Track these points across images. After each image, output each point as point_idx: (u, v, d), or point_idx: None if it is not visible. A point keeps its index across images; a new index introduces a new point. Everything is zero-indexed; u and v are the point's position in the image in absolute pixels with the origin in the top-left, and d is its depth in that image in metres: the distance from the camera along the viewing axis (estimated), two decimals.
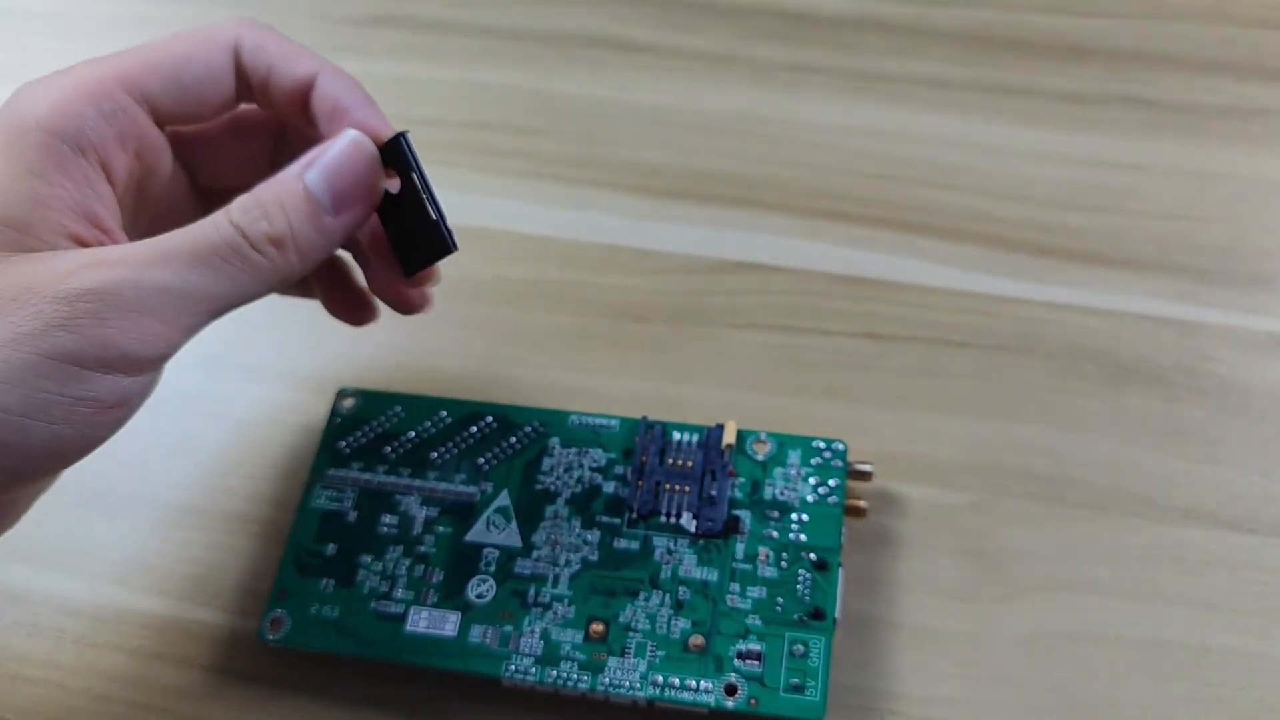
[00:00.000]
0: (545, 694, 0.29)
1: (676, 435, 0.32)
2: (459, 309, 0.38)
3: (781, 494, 0.31)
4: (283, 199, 0.25)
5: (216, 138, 0.29)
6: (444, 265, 0.38)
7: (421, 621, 0.30)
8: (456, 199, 0.41)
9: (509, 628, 0.29)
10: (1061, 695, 0.29)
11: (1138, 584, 0.31)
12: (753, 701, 0.28)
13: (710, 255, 0.39)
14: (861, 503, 0.31)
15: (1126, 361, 0.36)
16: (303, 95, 0.27)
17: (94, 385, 0.22)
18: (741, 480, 0.31)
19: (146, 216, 0.28)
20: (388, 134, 0.27)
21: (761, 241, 0.40)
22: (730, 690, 0.28)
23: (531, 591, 0.30)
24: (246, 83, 0.27)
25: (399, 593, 0.30)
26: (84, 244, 0.24)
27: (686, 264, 0.39)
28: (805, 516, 0.30)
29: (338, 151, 0.26)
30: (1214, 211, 0.39)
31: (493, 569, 0.30)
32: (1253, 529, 0.32)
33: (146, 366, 0.23)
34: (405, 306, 0.29)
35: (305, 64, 0.27)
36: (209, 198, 0.30)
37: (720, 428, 0.32)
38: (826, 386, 0.36)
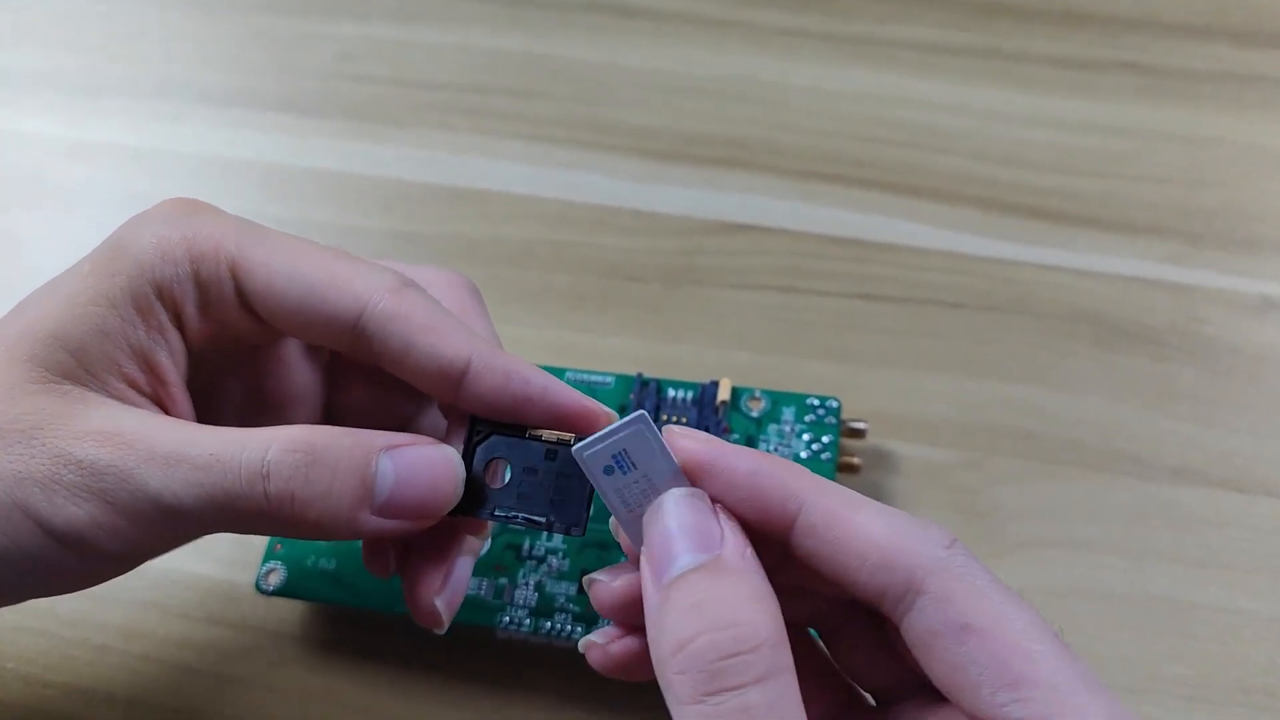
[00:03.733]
0: (538, 645, 0.29)
1: (671, 392, 0.32)
2: (456, 269, 0.38)
3: (775, 450, 0.31)
4: (339, 465, 0.21)
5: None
6: (440, 224, 0.38)
7: None
8: (455, 161, 0.41)
9: (504, 580, 0.29)
10: None
11: (1127, 541, 0.31)
12: None
13: (706, 217, 0.40)
14: (855, 460, 0.32)
15: (1118, 323, 0.36)
16: (451, 382, 0.22)
17: (52, 554, 0.21)
18: (736, 436, 0.31)
19: (246, 365, 0.26)
20: (581, 410, 0.23)
21: (757, 203, 0.40)
22: None
23: (526, 544, 0.30)
24: (366, 345, 0.23)
25: None
26: (135, 388, 0.22)
27: (682, 225, 0.39)
28: None
29: (425, 460, 0.22)
30: (1207, 176, 0.39)
31: None
32: (1240, 488, 0.32)
33: (105, 560, 0.22)
34: (417, 610, 0.24)
35: (454, 348, 0.22)
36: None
37: (715, 384, 0.32)
38: (821, 346, 0.36)
